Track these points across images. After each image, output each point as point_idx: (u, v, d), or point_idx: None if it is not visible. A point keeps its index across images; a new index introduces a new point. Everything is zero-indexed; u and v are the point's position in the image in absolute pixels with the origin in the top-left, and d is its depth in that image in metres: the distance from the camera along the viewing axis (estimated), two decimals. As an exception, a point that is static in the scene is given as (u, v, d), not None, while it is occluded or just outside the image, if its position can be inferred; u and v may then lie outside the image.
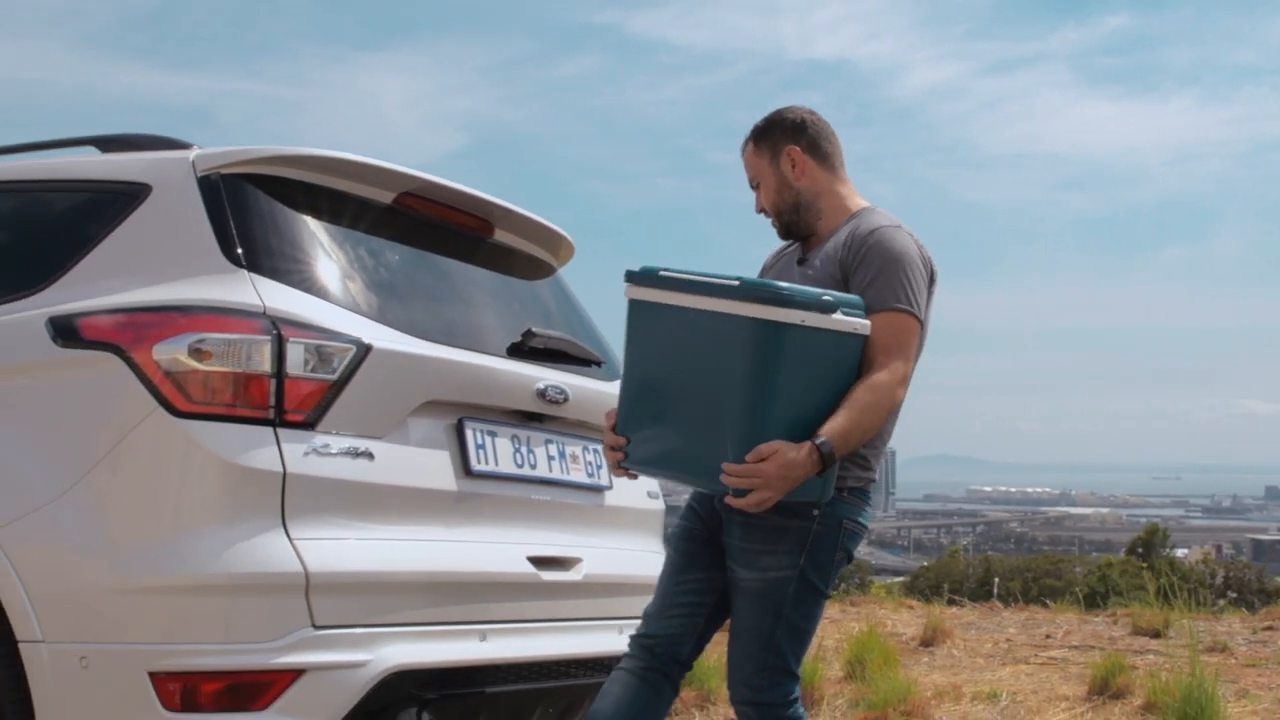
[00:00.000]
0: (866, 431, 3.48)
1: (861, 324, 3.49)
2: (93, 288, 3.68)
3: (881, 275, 3.58)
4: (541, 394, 4.06)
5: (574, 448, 4.25)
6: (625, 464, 3.65)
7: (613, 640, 4.16)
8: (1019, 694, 7.02)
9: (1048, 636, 9.34)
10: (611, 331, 4.76)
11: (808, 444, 3.36)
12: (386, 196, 4.09)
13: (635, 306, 3.65)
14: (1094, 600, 17.55)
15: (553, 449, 4.14)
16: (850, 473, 3.60)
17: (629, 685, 3.68)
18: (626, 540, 4.41)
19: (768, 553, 3.57)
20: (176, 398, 3.38)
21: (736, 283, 3.43)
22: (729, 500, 3.39)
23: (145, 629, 3.29)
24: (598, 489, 4.32)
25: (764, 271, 4.03)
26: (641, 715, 3.65)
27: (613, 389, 4.45)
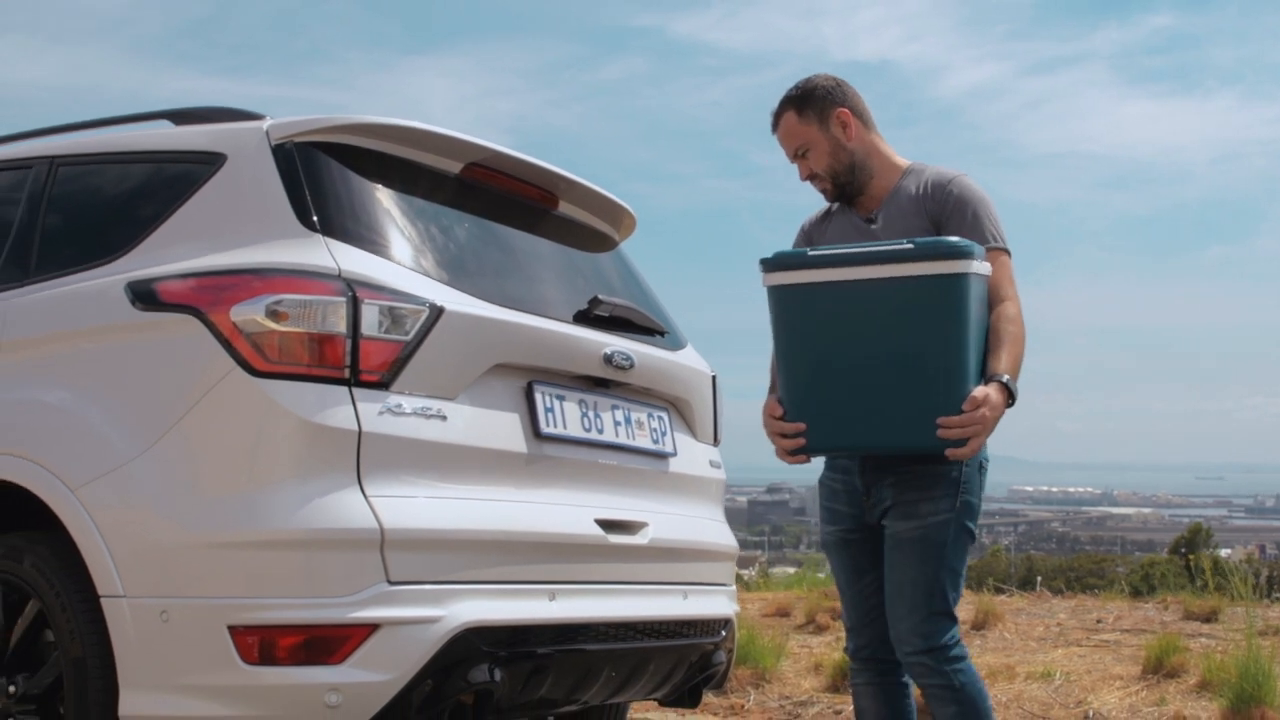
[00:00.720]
0: (1021, 360, 3.66)
1: (988, 266, 3.65)
2: (170, 253, 3.75)
3: (976, 219, 3.76)
4: (608, 360, 4.11)
5: (639, 414, 4.29)
6: (806, 450, 3.71)
7: (677, 604, 4.21)
8: (1073, 674, 7.03)
9: (1098, 621, 9.33)
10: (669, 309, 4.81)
11: (996, 383, 3.55)
12: (455, 166, 4.15)
13: (784, 292, 3.69)
14: (1140, 595, 17.46)
15: (619, 414, 4.19)
16: None
17: (873, 695, 3.91)
18: (690, 507, 4.45)
19: (925, 500, 3.69)
20: (254, 358, 3.45)
21: (910, 245, 3.54)
22: (949, 453, 3.51)
23: (224, 583, 3.36)
24: (662, 455, 4.37)
25: (806, 238, 4.10)
26: (896, 713, 3.89)
27: (677, 358, 4.50)
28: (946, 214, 3.78)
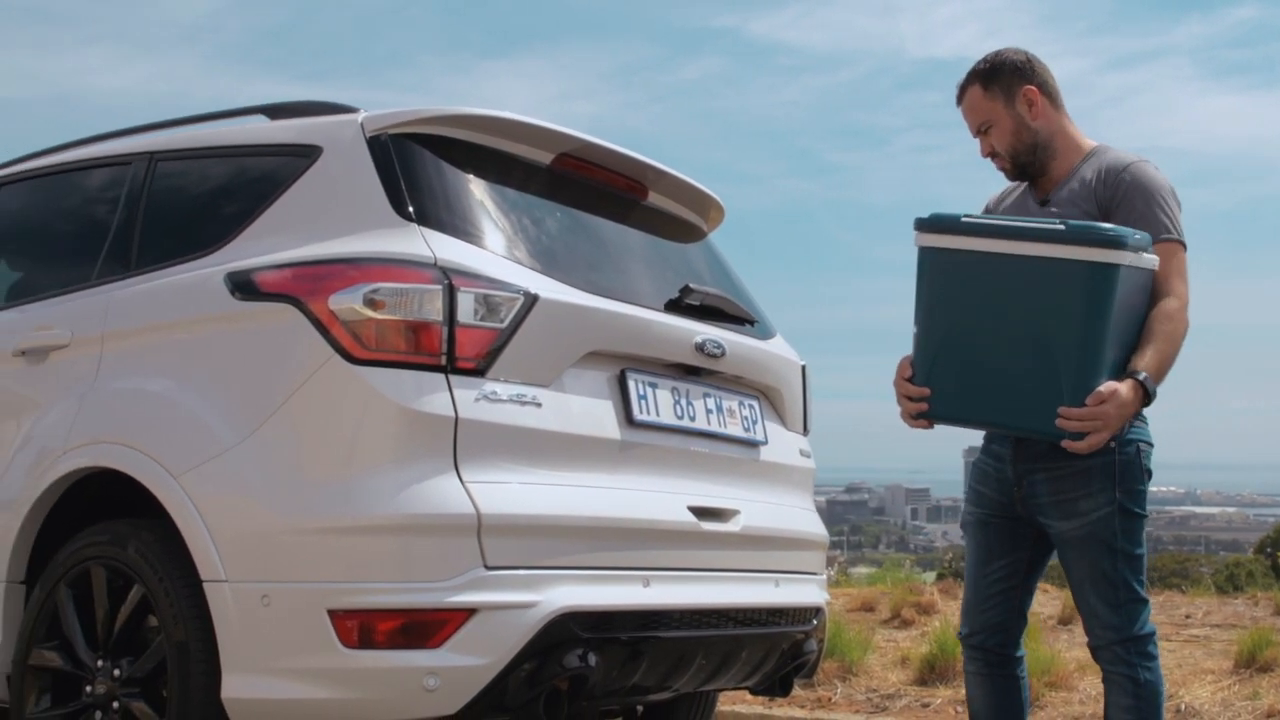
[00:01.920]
0: (1172, 360, 3.59)
1: (1153, 259, 3.56)
2: (267, 244, 3.81)
3: (1148, 209, 3.66)
4: (700, 348, 4.12)
5: (730, 402, 4.30)
6: (928, 415, 3.69)
7: (769, 592, 4.21)
8: (1163, 668, 6.94)
9: (1187, 617, 9.20)
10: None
11: (1130, 380, 3.46)
12: (546, 157, 4.18)
13: (932, 255, 3.65)
14: (1225, 593, 17.22)
15: (710, 402, 4.20)
16: None
17: (986, 685, 3.91)
18: (781, 495, 4.45)
19: (1083, 496, 3.64)
20: (352, 346, 3.49)
21: (1062, 226, 3.46)
22: (1066, 444, 3.47)
23: (324, 568, 3.40)
24: (753, 444, 4.37)
25: (990, 212, 4.04)
26: (1010, 703, 3.88)
27: (767, 346, 4.50)
28: (1116, 202, 3.68)
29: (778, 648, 4.28)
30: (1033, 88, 3.84)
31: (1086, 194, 3.74)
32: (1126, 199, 3.68)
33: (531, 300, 3.66)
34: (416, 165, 3.84)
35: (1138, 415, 3.64)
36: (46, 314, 4.28)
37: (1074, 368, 3.43)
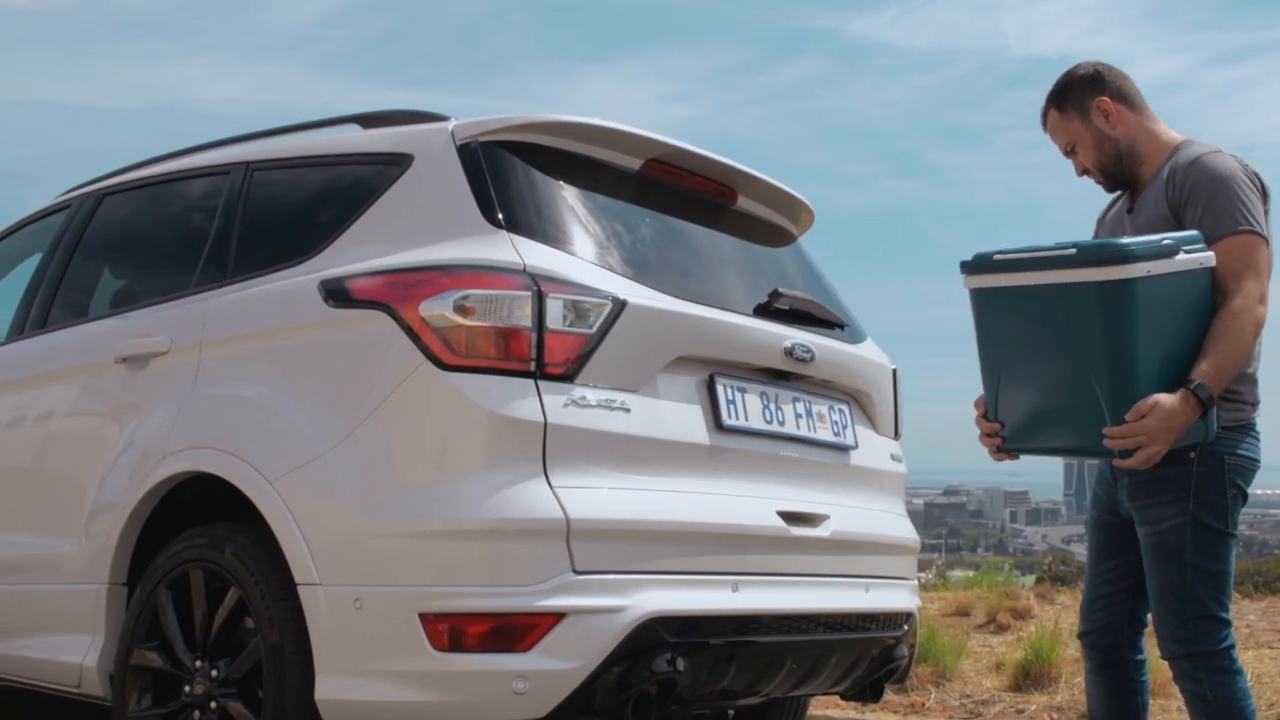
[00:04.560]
0: (1238, 361, 3.51)
1: (1205, 257, 3.50)
2: (360, 252, 3.86)
3: (1214, 202, 3.59)
4: (789, 352, 4.11)
5: (820, 406, 4.29)
6: (1005, 448, 3.74)
7: (859, 597, 4.19)
8: (1264, 676, 6.82)
9: (1293, 623, 9.04)
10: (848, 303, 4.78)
11: (1182, 390, 3.41)
12: (635, 163, 4.19)
13: (977, 295, 3.70)
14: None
15: (800, 407, 4.19)
16: (1219, 409, 3.57)
17: (1102, 684, 3.93)
18: (871, 500, 4.43)
19: (1155, 505, 3.64)
20: (443, 352, 3.52)
21: (1073, 250, 3.47)
22: (1117, 462, 3.48)
23: (415, 572, 3.43)
24: (844, 448, 4.35)
25: (1099, 225, 4.05)
26: (1127, 704, 3.89)
27: (857, 350, 4.49)
28: (1183, 202, 3.65)
29: (868, 653, 4.26)
30: (1105, 98, 3.83)
31: (1159, 196, 3.72)
32: (1194, 194, 3.63)
33: (620, 306, 3.68)
34: (505, 172, 3.87)
35: (1231, 429, 3.60)
36: (147, 321, 4.37)
37: (1107, 386, 3.45)
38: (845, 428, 4.37)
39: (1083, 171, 3.91)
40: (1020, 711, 6.50)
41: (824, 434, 4.26)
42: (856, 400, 4.52)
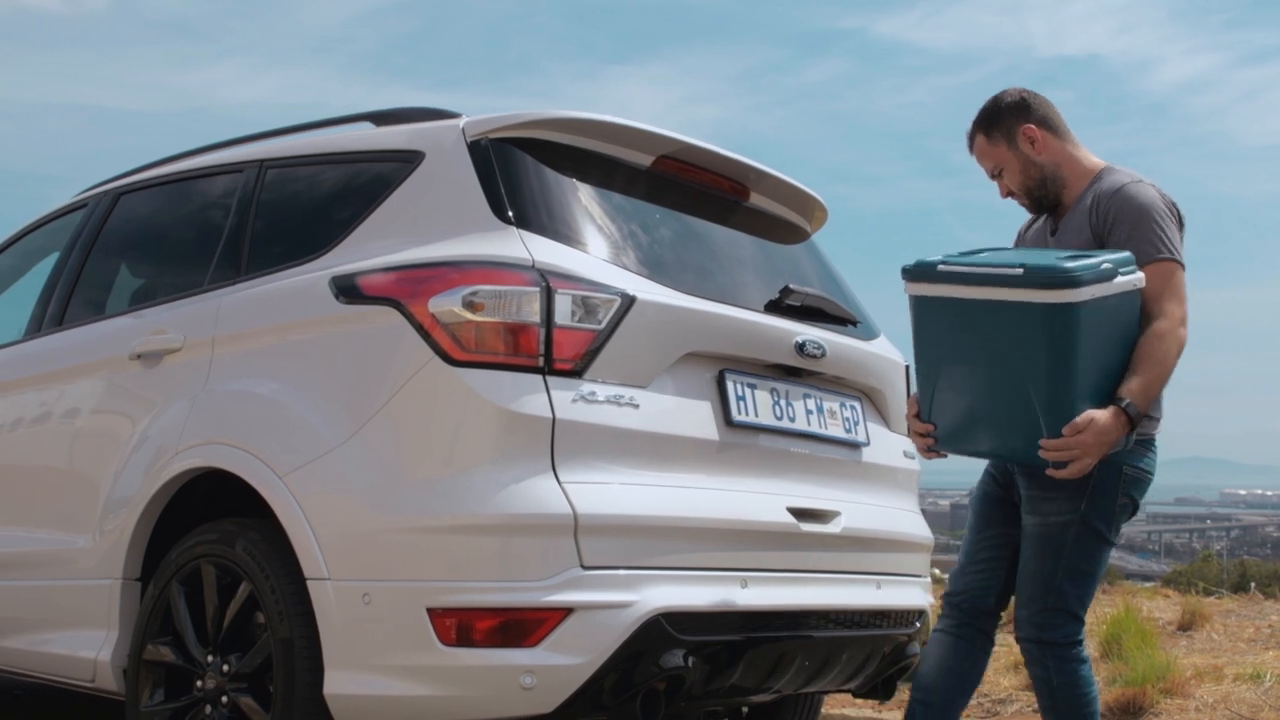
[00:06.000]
0: (1163, 380, 3.66)
1: (1138, 278, 3.62)
2: (371, 248, 3.88)
3: (1136, 230, 3.73)
4: (800, 348, 4.11)
5: (831, 403, 4.28)
6: (936, 448, 3.86)
7: (870, 594, 4.18)
8: (1283, 676, 6.78)
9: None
10: (863, 300, 4.79)
11: (1113, 407, 3.53)
12: (646, 159, 4.19)
13: (919, 302, 3.77)
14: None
15: (811, 403, 4.19)
16: None
17: (945, 644, 4.05)
18: (883, 497, 4.42)
19: (1048, 499, 3.78)
20: (452, 347, 3.53)
21: (1020, 270, 3.53)
22: (1050, 473, 3.58)
23: (423, 567, 3.44)
24: (855, 445, 4.35)
25: (1019, 241, 4.18)
26: (960, 668, 4.04)
27: (870, 347, 4.49)
28: (1108, 228, 3.79)
29: (879, 650, 4.25)
30: (1031, 125, 3.96)
31: (1083, 222, 3.85)
32: (1117, 223, 3.76)
33: (629, 301, 3.68)
34: (516, 169, 3.88)
35: (1141, 440, 3.75)
36: (161, 318, 4.40)
37: (1045, 402, 3.53)
38: (857, 424, 4.36)
39: (1007, 194, 4.04)
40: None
41: (835, 430, 4.26)
42: (869, 397, 4.51)
